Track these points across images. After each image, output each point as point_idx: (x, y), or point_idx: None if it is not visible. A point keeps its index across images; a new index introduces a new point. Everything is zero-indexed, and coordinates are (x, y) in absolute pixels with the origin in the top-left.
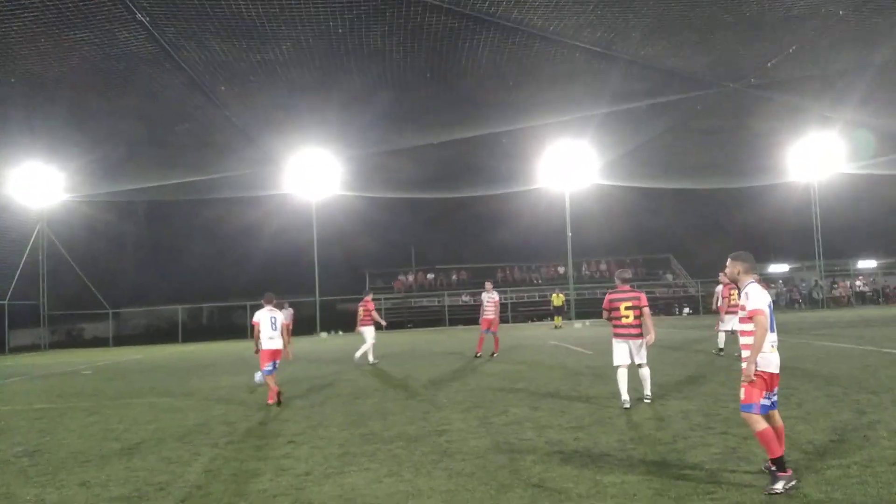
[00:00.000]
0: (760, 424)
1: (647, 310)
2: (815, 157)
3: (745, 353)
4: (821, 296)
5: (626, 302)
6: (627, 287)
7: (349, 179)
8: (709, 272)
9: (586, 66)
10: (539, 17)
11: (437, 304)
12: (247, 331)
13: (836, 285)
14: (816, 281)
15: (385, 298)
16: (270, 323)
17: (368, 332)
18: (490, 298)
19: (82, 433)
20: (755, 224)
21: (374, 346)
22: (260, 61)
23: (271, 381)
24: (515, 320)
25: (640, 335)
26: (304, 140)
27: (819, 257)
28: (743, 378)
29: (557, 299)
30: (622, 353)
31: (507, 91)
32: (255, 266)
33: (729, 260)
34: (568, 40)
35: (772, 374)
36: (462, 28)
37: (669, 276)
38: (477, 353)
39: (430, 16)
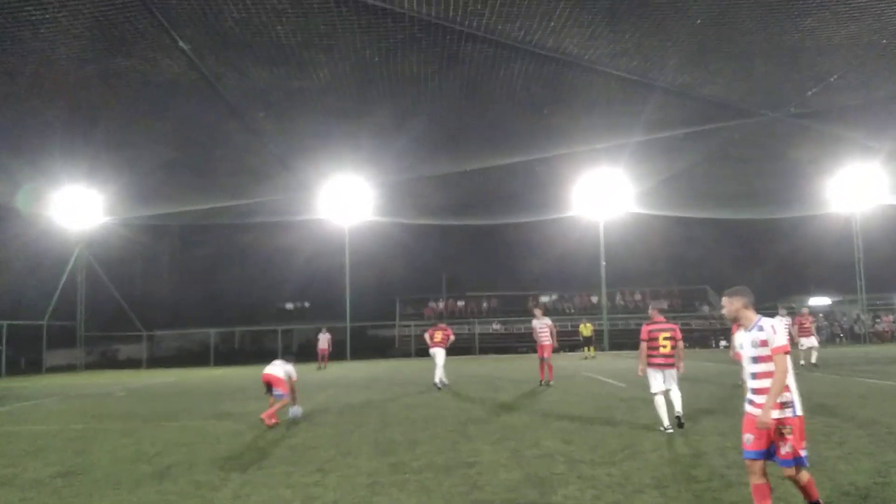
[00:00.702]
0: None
1: (681, 343)
2: (857, 187)
3: (760, 399)
4: (863, 330)
5: (665, 333)
6: (662, 318)
7: (382, 205)
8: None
9: (621, 94)
10: (574, 46)
11: (466, 331)
12: (277, 354)
13: (879, 319)
14: (858, 315)
15: (415, 325)
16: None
17: (440, 354)
18: (543, 324)
19: (115, 455)
20: (795, 256)
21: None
22: (298, 89)
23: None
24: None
25: (674, 365)
26: (337, 166)
27: (861, 291)
28: (758, 425)
29: (586, 329)
30: (658, 381)
31: (541, 118)
32: (287, 291)
33: (725, 297)
34: (603, 68)
35: (801, 418)
36: (497, 56)
37: (706, 308)
38: (541, 380)
39: (465, 44)
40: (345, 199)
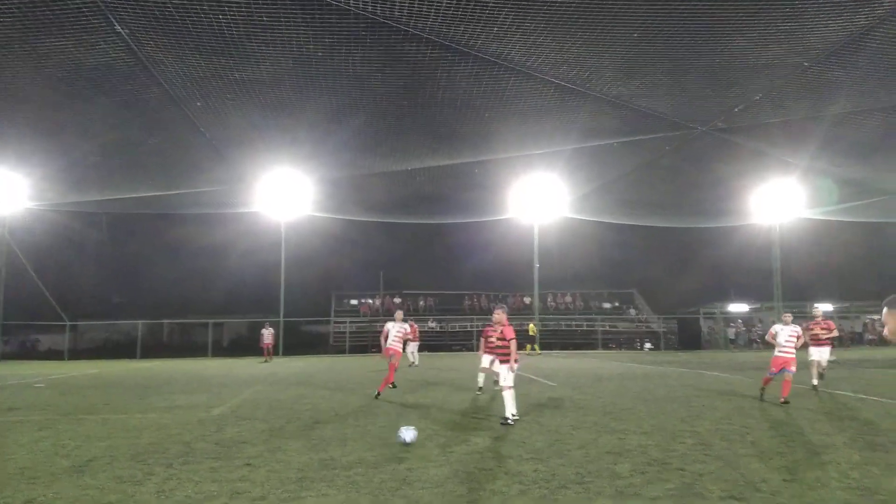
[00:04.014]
0: None
1: (513, 342)
2: (777, 201)
3: None
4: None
5: (497, 332)
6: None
7: (321, 200)
8: (672, 309)
9: (561, 102)
10: (518, 52)
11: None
12: (207, 348)
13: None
14: (774, 322)
15: (350, 322)
16: None
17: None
18: (400, 328)
19: (32, 448)
20: (718, 264)
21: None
22: (238, 80)
23: None
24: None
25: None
26: (276, 159)
27: (778, 299)
28: None
29: (532, 329)
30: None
31: (481, 122)
32: (220, 284)
33: (886, 310)
34: (544, 76)
35: None
36: (440, 58)
37: (633, 311)
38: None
39: (409, 44)
40: (282, 194)
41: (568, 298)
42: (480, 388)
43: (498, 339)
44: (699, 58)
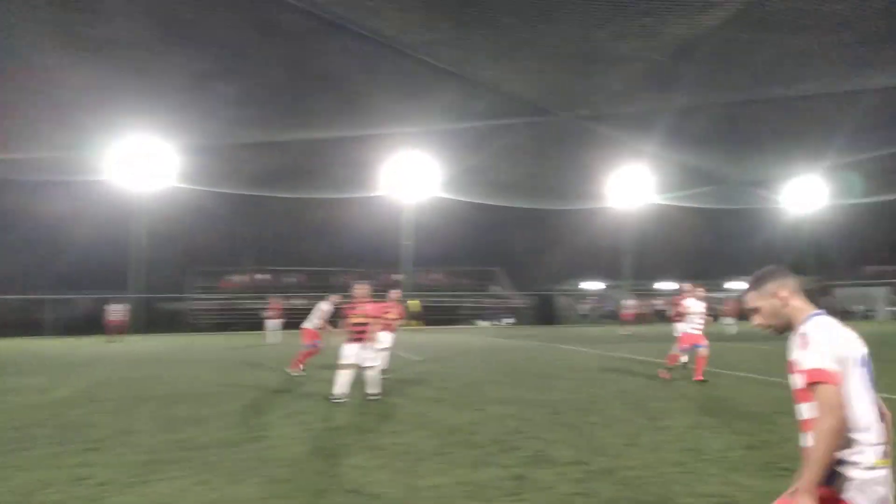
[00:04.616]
0: None
1: (378, 320)
2: (629, 186)
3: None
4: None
5: (363, 309)
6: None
7: (183, 171)
8: (533, 285)
9: (434, 82)
10: (392, 30)
11: (264, 306)
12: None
13: (640, 304)
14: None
15: (210, 299)
16: None
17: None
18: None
19: None
20: (576, 244)
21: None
22: (94, 37)
23: None
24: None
25: (369, 339)
26: (133, 125)
27: (627, 277)
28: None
29: (414, 305)
30: (351, 351)
31: (355, 97)
32: (65, 258)
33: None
34: (418, 55)
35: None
36: (315, 30)
37: (496, 288)
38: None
39: (283, 14)
40: (139, 162)
41: (436, 276)
42: (338, 397)
43: (363, 316)
44: (564, 47)
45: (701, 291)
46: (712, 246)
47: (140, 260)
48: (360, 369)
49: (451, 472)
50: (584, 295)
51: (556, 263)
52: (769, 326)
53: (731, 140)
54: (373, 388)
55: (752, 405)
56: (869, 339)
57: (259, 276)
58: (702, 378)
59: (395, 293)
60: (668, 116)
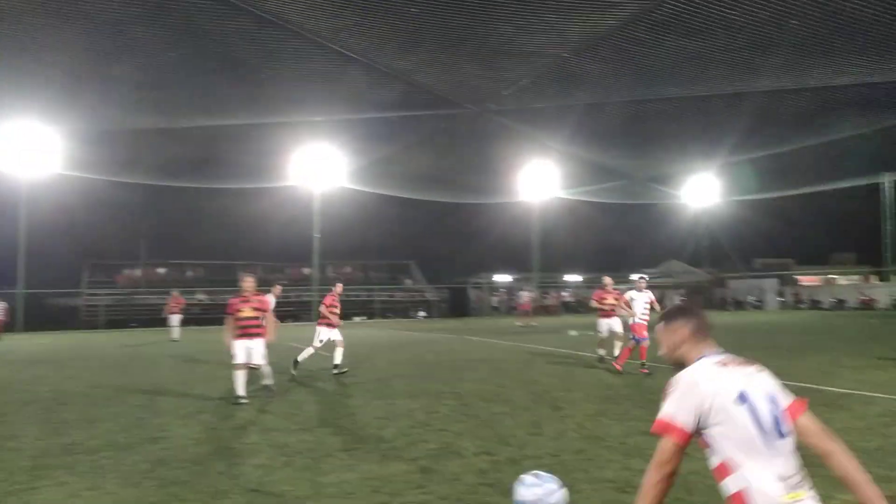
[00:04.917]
0: None
1: (270, 314)
2: (537, 181)
3: None
4: (535, 304)
5: (251, 303)
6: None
7: (74, 158)
8: (446, 279)
9: (341, 70)
10: (296, 14)
11: (166, 301)
12: None
13: (546, 296)
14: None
15: (106, 294)
16: None
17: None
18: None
19: None
20: (488, 237)
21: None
22: None
23: None
24: None
25: (261, 335)
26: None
27: (535, 270)
28: None
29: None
30: (240, 350)
31: (258, 83)
32: None
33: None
34: (324, 41)
35: None
36: (212, 10)
37: (409, 282)
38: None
39: None
40: (24, 149)
41: (347, 269)
42: (240, 398)
43: (253, 309)
44: (472, 39)
45: (643, 283)
46: (617, 239)
47: (28, 253)
48: (253, 367)
49: (357, 467)
50: (496, 287)
51: (469, 256)
52: (669, 361)
53: (633, 137)
54: (266, 380)
55: (656, 393)
56: (759, 328)
57: (159, 270)
58: (619, 368)
59: (339, 287)
60: (573, 113)
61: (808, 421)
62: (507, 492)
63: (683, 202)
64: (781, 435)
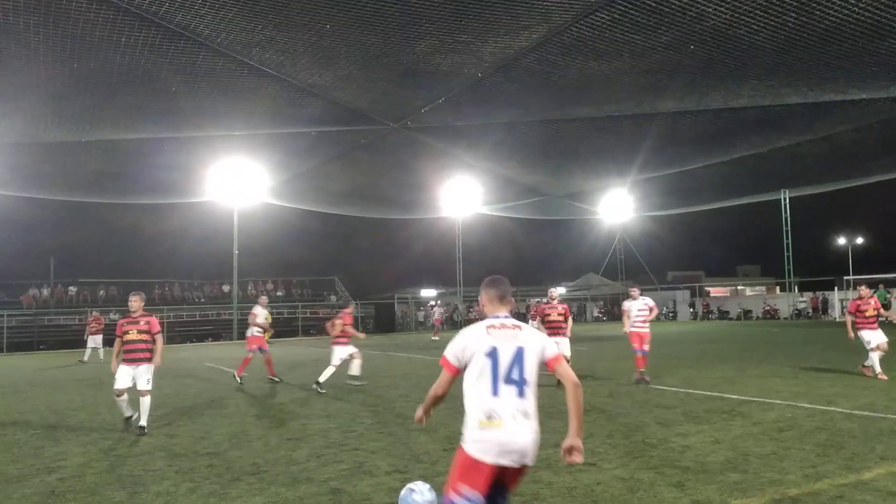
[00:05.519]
0: None
1: (160, 336)
2: (460, 197)
3: None
4: (460, 318)
5: (138, 325)
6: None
7: None
8: (368, 294)
9: (256, 85)
10: (206, 27)
11: (77, 322)
12: None
13: (472, 310)
14: (457, 305)
15: (9, 315)
16: None
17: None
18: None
19: None
20: (414, 252)
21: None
22: None
23: None
24: (174, 341)
25: (148, 360)
26: None
27: (460, 284)
28: None
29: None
30: (123, 375)
31: (169, 97)
32: None
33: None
34: (237, 55)
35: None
36: (116, 21)
37: (333, 297)
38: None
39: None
40: None
41: (269, 286)
42: (130, 418)
43: (139, 332)
44: (388, 57)
45: (636, 291)
46: (538, 254)
47: None
48: (137, 393)
49: (266, 490)
50: (422, 302)
51: (394, 271)
52: (481, 315)
53: (549, 156)
54: (141, 419)
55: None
56: (672, 338)
57: (70, 290)
58: (645, 380)
59: (351, 307)
60: (491, 131)
61: (561, 369)
62: None
63: (600, 218)
64: (512, 381)
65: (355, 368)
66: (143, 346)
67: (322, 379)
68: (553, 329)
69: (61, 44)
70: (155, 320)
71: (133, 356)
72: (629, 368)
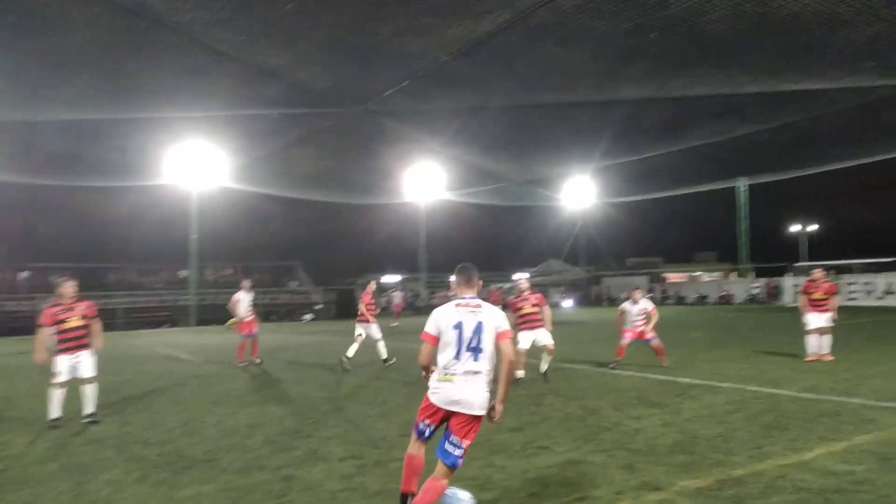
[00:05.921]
0: (409, 447)
1: (97, 321)
2: (423, 182)
3: None
4: (423, 304)
5: (73, 312)
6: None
7: None
8: (333, 280)
9: (215, 65)
10: (163, 4)
11: (28, 308)
12: None
13: (434, 295)
14: (420, 291)
15: None
16: None
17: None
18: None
19: None
20: (376, 238)
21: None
22: None
23: None
24: (129, 327)
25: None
26: None
27: (423, 270)
28: None
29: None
30: (63, 365)
31: (125, 76)
32: None
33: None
34: (197, 35)
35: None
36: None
37: (294, 284)
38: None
39: None
40: None
41: (228, 271)
42: (56, 420)
43: (80, 318)
44: (350, 38)
45: (638, 294)
46: (500, 240)
47: None
48: (82, 382)
49: (217, 478)
50: (385, 288)
51: (357, 257)
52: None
53: (512, 142)
54: (89, 407)
55: (522, 389)
56: None
57: (20, 275)
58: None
59: (372, 285)
60: (455, 116)
61: (503, 345)
62: (370, 495)
63: (562, 204)
64: (471, 349)
65: (352, 350)
66: (83, 332)
67: (384, 356)
68: (529, 323)
69: (10, 19)
70: (92, 303)
71: (74, 344)
72: (589, 353)
